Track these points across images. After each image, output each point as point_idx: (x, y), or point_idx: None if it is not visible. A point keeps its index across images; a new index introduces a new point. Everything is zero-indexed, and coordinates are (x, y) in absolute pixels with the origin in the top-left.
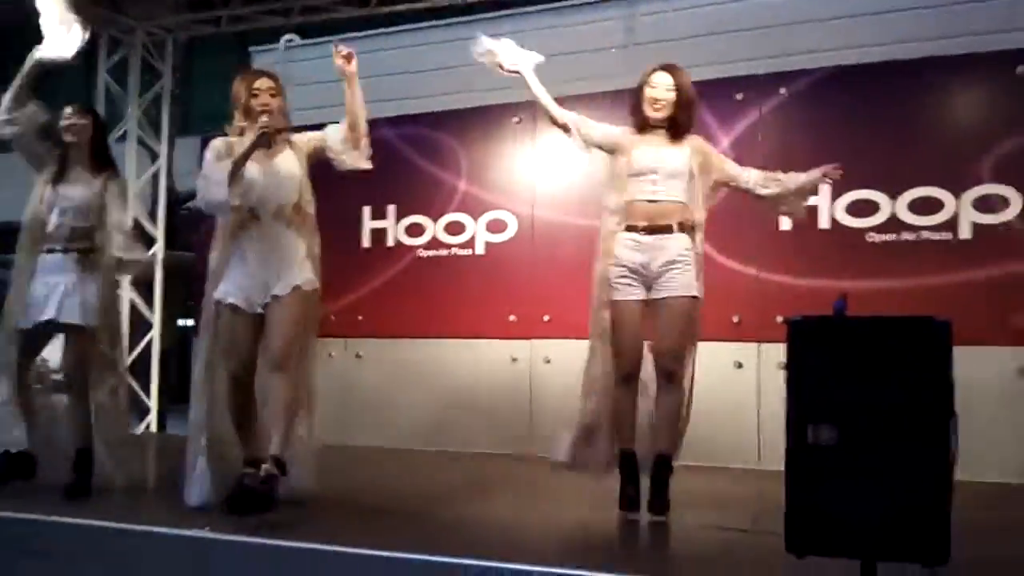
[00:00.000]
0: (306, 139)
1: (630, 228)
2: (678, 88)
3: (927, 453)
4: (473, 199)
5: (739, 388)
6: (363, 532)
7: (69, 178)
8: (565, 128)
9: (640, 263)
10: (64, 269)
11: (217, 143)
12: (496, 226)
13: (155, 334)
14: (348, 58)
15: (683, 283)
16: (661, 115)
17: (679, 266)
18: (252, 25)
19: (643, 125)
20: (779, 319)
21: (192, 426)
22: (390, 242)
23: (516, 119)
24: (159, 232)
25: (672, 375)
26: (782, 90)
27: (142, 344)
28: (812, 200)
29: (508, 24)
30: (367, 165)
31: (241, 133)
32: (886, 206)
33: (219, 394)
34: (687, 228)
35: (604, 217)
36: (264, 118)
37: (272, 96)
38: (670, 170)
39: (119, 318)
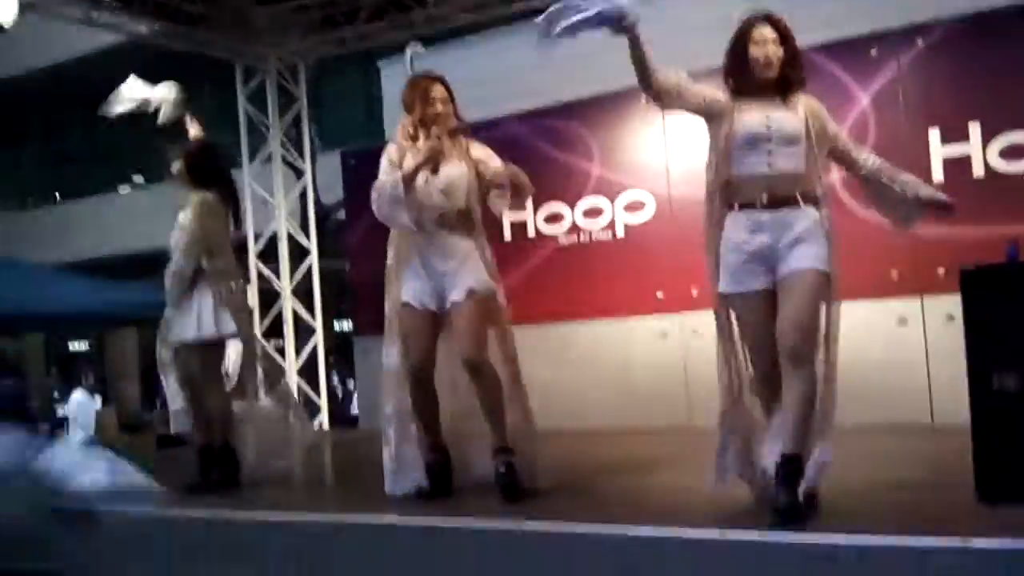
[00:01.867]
0: (480, 157)
1: (745, 205)
2: (785, 40)
3: None
4: (608, 183)
5: (905, 345)
6: (539, 509)
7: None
8: (659, 96)
9: (764, 245)
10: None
11: (391, 151)
12: (634, 207)
13: (318, 338)
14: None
15: (811, 255)
16: (773, 75)
17: (808, 240)
18: (376, 42)
19: (746, 88)
20: (941, 271)
21: (392, 418)
22: (531, 233)
23: (644, 100)
24: (312, 244)
25: (798, 356)
26: (919, 41)
27: (307, 349)
28: (962, 149)
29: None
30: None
31: (414, 137)
32: None
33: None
34: (813, 200)
35: (708, 198)
36: (435, 137)
37: (444, 104)
38: (787, 135)
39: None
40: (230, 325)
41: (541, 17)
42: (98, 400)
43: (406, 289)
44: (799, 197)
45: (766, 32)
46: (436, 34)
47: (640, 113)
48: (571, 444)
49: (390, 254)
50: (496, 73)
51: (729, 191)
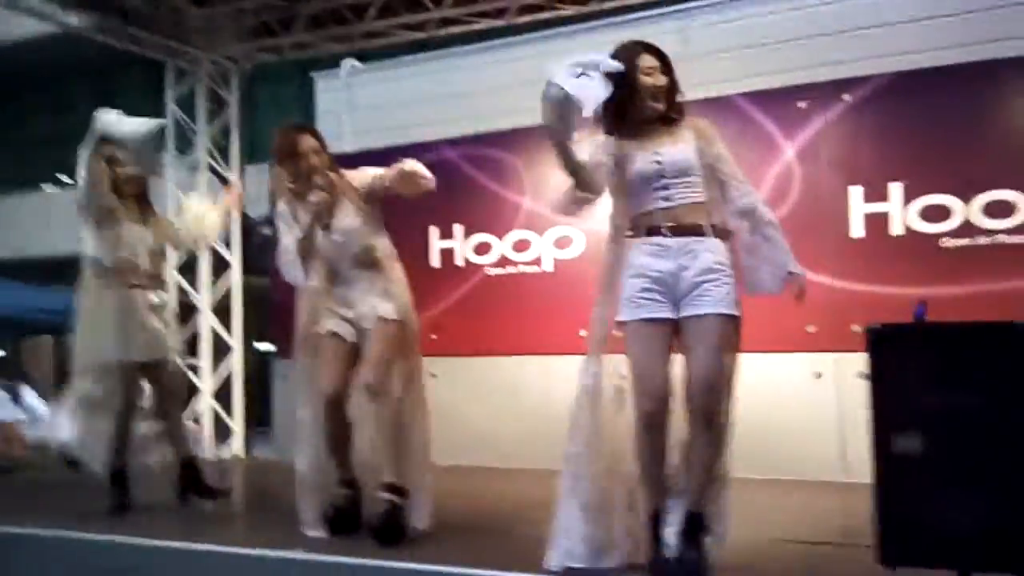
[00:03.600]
0: (362, 184)
1: (651, 231)
2: (668, 69)
3: (1018, 459)
4: (538, 216)
5: (818, 399)
6: (447, 550)
7: (134, 219)
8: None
9: (667, 272)
10: (154, 307)
11: (283, 209)
12: (563, 242)
13: (236, 358)
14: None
15: (718, 297)
16: (662, 106)
17: (716, 278)
18: (313, 52)
19: (630, 125)
20: (856, 328)
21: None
22: (459, 261)
23: (576, 137)
24: (235, 258)
25: (709, 416)
26: (846, 96)
27: (223, 369)
28: (881, 207)
29: (561, 42)
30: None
31: (298, 192)
32: (959, 210)
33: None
34: (720, 232)
35: (610, 239)
36: (316, 194)
37: (316, 154)
38: (680, 167)
39: None
40: None
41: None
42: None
43: (322, 321)
44: (704, 227)
45: (651, 61)
46: (373, 50)
47: (574, 147)
48: (481, 482)
49: (308, 289)
50: (431, 95)
51: (633, 226)
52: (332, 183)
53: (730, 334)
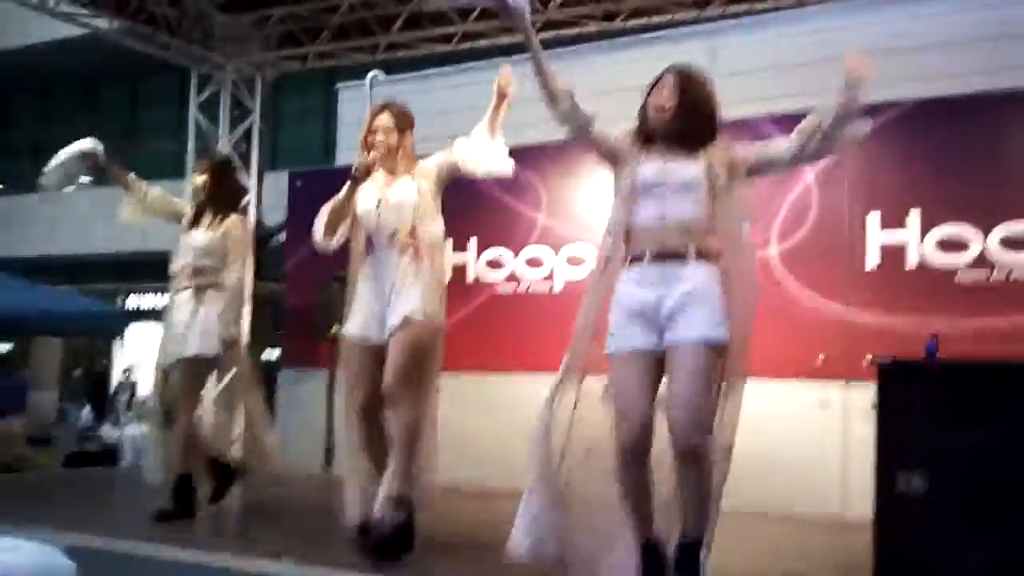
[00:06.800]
0: (433, 162)
1: (633, 260)
2: (683, 90)
3: None
4: (553, 233)
5: (823, 430)
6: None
7: (201, 224)
8: (562, 106)
9: (648, 302)
10: (187, 304)
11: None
12: (575, 260)
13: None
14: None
15: (701, 322)
16: (665, 118)
17: (700, 302)
18: (338, 62)
19: (649, 135)
20: (867, 359)
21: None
22: (470, 278)
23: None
24: (247, 264)
25: (695, 455)
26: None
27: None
28: (899, 234)
29: (585, 58)
30: (506, 169)
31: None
32: (976, 242)
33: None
34: (708, 255)
35: (602, 242)
36: (359, 158)
37: (385, 132)
38: (682, 181)
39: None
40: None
41: None
42: None
43: (353, 322)
44: (690, 250)
45: (667, 78)
46: (397, 61)
47: (591, 165)
48: (482, 501)
49: (349, 285)
50: (452, 108)
51: (620, 241)
52: (391, 154)
53: (712, 363)
